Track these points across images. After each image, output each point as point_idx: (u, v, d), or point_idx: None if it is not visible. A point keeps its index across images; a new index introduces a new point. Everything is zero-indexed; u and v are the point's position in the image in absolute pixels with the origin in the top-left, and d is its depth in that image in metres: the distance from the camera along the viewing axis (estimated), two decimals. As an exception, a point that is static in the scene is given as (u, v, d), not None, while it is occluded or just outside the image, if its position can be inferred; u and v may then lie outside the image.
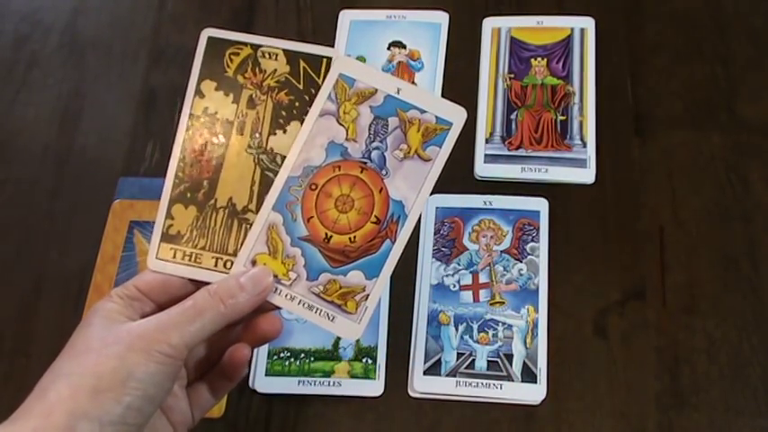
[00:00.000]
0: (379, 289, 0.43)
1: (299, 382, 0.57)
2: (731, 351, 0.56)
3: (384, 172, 0.44)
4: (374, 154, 0.44)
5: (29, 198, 0.66)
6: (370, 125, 0.44)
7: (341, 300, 0.43)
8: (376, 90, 0.45)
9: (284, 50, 0.46)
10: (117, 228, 0.63)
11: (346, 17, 0.71)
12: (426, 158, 0.44)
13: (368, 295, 0.42)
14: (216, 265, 0.43)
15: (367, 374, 0.57)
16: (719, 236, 0.60)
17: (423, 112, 0.44)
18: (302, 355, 0.58)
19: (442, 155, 0.44)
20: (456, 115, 0.44)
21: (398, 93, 0.45)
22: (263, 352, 0.58)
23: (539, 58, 0.67)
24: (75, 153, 0.68)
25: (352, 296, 0.43)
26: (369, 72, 0.45)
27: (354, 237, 0.43)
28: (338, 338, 0.58)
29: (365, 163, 0.44)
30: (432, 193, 0.44)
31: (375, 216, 0.43)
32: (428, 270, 0.60)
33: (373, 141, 0.44)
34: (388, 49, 0.70)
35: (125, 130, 0.68)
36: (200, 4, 0.74)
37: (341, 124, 0.44)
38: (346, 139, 0.44)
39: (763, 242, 0.59)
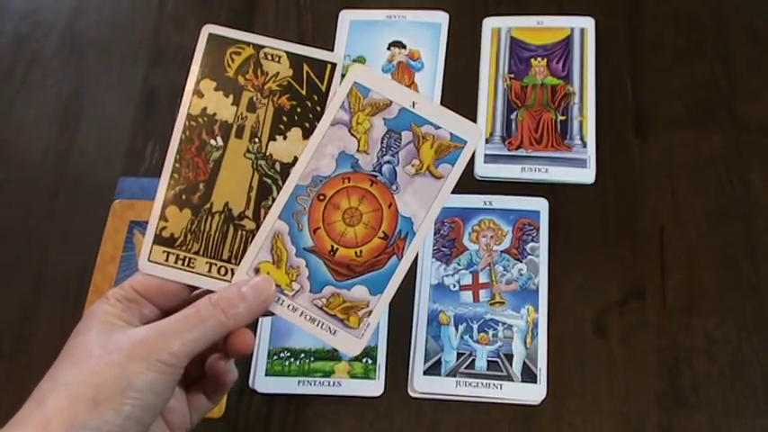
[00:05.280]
0: (383, 305, 0.42)
1: (299, 382, 0.57)
2: (731, 351, 0.56)
3: (394, 187, 0.43)
4: (385, 168, 0.43)
5: (29, 198, 0.66)
6: (382, 138, 0.43)
7: (343, 314, 0.42)
8: (391, 102, 0.43)
9: (288, 53, 0.44)
10: (117, 228, 0.63)
11: (346, 17, 0.71)
12: (438, 176, 0.43)
13: (371, 311, 0.42)
14: (209, 271, 0.42)
15: (367, 374, 0.57)
16: (719, 236, 0.60)
17: (437, 128, 0.43)
18: (302, 355, 0.58)
19: (454, 173, 0.43)
20: (471, 133, 0.43)
21: (414, 106, 0.43)
22: (263, 352, 0.58)
23: (539, 58, 0.67)
24: (75, 153, 0.68)
25: (355, 311, 0.42)
26: (385, 83, 0.44)
27: (361, 251, 0.42)
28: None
29: (375, 176, 0.43)
30: None
31: (383, 231, 0.42)
32: (428, 270, 0.60)
33: (385, 155, 0.43)
34: (388, 49, 0.70)
35: (125, 130, 0.68)
36: (200, 4, 0.74)
37: (353, 135, 0.43)
38: (357, 151, 0.43)
39: (763, 242, 0.59)
